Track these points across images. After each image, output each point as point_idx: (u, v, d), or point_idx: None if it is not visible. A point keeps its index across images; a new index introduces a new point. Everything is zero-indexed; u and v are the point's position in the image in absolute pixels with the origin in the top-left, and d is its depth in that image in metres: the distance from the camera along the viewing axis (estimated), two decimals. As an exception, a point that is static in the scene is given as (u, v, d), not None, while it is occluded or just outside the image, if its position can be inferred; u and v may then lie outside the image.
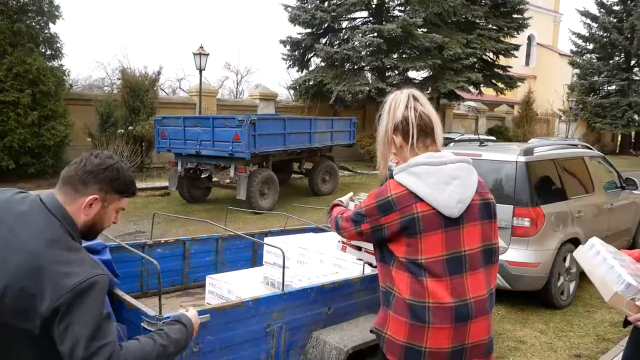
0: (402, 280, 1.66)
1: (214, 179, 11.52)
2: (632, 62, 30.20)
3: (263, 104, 17.05)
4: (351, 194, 2.51)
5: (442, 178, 1.63)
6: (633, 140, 33.70)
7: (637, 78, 29.96)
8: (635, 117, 29.37)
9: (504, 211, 4.82)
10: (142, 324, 2.00)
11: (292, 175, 13.36)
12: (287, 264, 3.37)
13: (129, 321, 2.14)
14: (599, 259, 2.05)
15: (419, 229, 1.62)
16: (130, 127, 12.81)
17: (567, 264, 5.06)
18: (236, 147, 9.17)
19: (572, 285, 5.19)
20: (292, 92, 21.71)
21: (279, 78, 57.47)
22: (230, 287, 3.17)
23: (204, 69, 14.27)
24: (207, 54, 14.12)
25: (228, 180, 11.96)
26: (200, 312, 2.11)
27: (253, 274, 3.48)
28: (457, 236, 1.64)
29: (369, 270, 3.01)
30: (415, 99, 1.73)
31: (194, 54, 13.96)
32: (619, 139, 33.00)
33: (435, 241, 1.62)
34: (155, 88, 14.49)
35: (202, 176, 10.32)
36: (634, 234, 6.66)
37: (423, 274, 1.62)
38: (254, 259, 4.16)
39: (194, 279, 3.80)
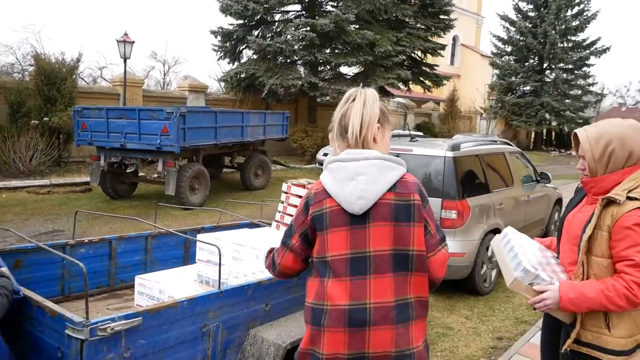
0: (312, 285, 1.67)
1: (141, 174, 11.02)
2: (545, 65, 32.51)
3: (192, 96, 16.52)
4: None
5: (347, 174, 1.60)
6: (545, 138, 36.37)
7: (548, 80, 32.32)
8: (547, 116, 31.72)
9: (432, 204, 4.99)
10: (66, 331, 1.87)
11: (224, 170, 13.11)
12: (223, 261, 3.30)
13: (51, 329, 1.99)
14: (507, 247, 2.16)
15: (326, 225, 1.60)
16: (45, 118, 11.90)
17: (489, 253, 5.35)
18: (165, 140, 8.81)
19: (493, 273, 5.51)
20: (222, 84, 21.22)
21: (208, 69, 56.11)
22: (161, 287, 3.04)
23: (128, 58, 13.59)
24: (132, 42, 13.44)
25: (156, 175, 11.50)
26: (129, 316, 2.00)
27: (186, 272, 3.36)
28: (362, 235, 1.58)
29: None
30: (353, 99, 1.70)
31: (118, 42, 13.24)
32: (533, 136, 35.46)
33: (340, 238, 1.58)
34: (74, 76, 13.54)
35: (128, 171, 9.82)
36: (547, 223, 7.19)
37: (327, 273, 1.60)
38: (186, 257, 4.03)
39: (121, 280, 3.61)
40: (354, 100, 1.68)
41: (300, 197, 2.62)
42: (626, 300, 1.79)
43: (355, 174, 1.59)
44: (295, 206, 2.69)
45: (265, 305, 2.66)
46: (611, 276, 1.85)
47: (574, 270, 1.96)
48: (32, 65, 13.85)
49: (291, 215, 2.70)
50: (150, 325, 2.07)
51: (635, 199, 1.83)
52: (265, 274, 2.91)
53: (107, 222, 7.99)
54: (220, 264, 2.47)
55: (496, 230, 5.45)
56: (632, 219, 1.80)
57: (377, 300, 1.55)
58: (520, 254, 2.07)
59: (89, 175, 10.24)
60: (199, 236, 3.59)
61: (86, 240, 3.39)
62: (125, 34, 13.29)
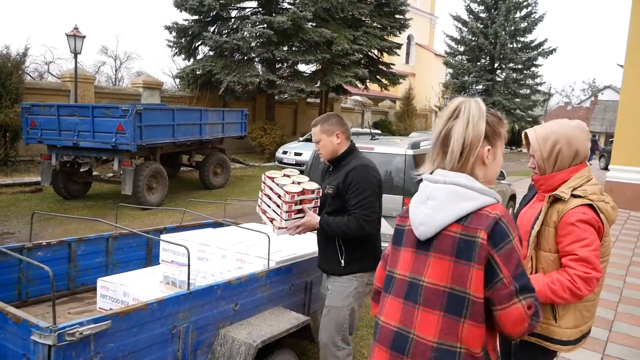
0: (380, 301, 1.65)
1: (95, 173, 10.65)
2: (496, 65, 33.68)
3: (147, 93, 16.09)
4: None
5: (422, 196, 1.52)
6: (496, 135, 37.62)
7: (499, 79, 33.49)
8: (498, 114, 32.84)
9: (394, 201, 5.13)
10: (32, 337, 1.80)
11: (181, 169, 12.86)
12: (186, 261, 3.26)
13: (15, 335, 1.92)
14: None
15: (402, 241, 1.57)
16: (-10, 115, 11.30)
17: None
18: (120, 138, 8.56)
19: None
20: (178, 81, 20.80)
21: (162, 66, 54.62)
22: (125, 289, 2.98)
23: (79, 53, 13.07)
24: (83, 37, 12.94)
25: (111, 175, 11.16)
26: (98, 319, 1.96)
27: (150, 274, 3.30)
28: (423, 262, 1.48)
29: (273, 264, 3.02)
30: (457, 115, 1.50)
31: (68, 36, 12.71)
32: (485, 133, 36.64)
33: (407, 258, 1.53)
34: (20, 71, 12.92)
35: (81, 170, 9.47)
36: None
37: (389, 289, 1.57)
38: (149, 258, 3.95)
39: (81, 283, 3.50)
40: (457, 117, 1.49)
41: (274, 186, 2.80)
42: (570, 292, 1.87)
43: (427, 198, 1.49)
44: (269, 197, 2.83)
45: (234, 305, 2.65)
46: (557, 270, 1.95)
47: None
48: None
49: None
50: (120, 329, 2.03)
51: (579, 196, 1.94)
52: (233, 274, 2.90)
53: (61, 223, 7.69)
54: (189, 265, 2.44)
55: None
56: (575, 216, 1.90)
57: (420, 334, 1.45)
58: None
59: (40, 174, 9.81)
60: (164, 237, 3.54)
61: (44, 243, 3.26)
62: (76, 28, 12.78)
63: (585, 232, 1.89)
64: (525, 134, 2.11)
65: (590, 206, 1.92)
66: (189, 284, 2.45)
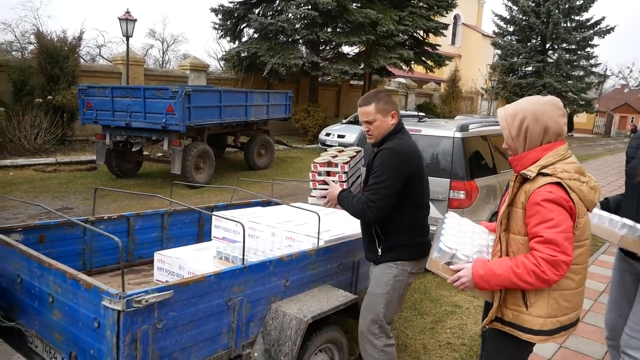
0: None
1: (145, 153, 11.05)
2: (547, 46, 32.24)
3: (194, 75, 16.43)
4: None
5: None
6: (546, 119, 36.22)
7: (551, 61, 32.08)
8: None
9: (441, 184, 5.07)
10: (103, 302, 1.93)
11: (227, 149, 13.12)
12: (238, 238, 3.37)
13: (86, 300, 2.06)
14: (438, 231, 2.23)
15: None
16: (49, 97, 11.86)
17: (496, 233, 5.44)
18: (170, 119, 8.82)
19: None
20: (223, 63, 21.08)
21: (208, 48, 55.43)
22: (181, 262, 3.12)
23: (131, 36, 13.46)
24: (135, 20, 13.31)
25: (160, 154, 11.55)
26: (161, 289, 2.07)
27: (203, 249, 3.44)
28: None
29: (322, 243, 3.08)
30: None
31: (120, 20, 13.10)
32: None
33: None
34: (76, 55, 13.46)
35: (133, 149, 9.84)
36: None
37: None
38: (200, 234, 4.10)
39: (138, 256, 3.69)
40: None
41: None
42: (535, 276, 1.78)
43: None
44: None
45: (285, 281, 2.73)
46: (524, 254, 1.86)
47: None
48: (31, 44, 13.72)
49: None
50: (180, 298, 2.14)
51: (547, 174, 1.82)
52: (282, 251, 2.98)
53: (115, 200, 8.05)
54: (244, 240, 2.53)
55: (502, 210, 5.53)
56: (541, 195, 1.80)
57: None
58: (443, 236, 2.09)
59: (95, 153, 10.26)
60: (217, 214, 3.66)
61: (106, 217, 3.45)
62: (127, 12, 13.15)
63: (551, 212, 1.78)
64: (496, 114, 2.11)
65: (559, 184, 1.81)
66: (243, 259, 2.54)
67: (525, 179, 1.88)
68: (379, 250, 2.67)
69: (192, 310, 2.21)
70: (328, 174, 2.84)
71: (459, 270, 1.96)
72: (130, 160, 10.33)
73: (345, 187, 2.78)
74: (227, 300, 2.39)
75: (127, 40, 13.59)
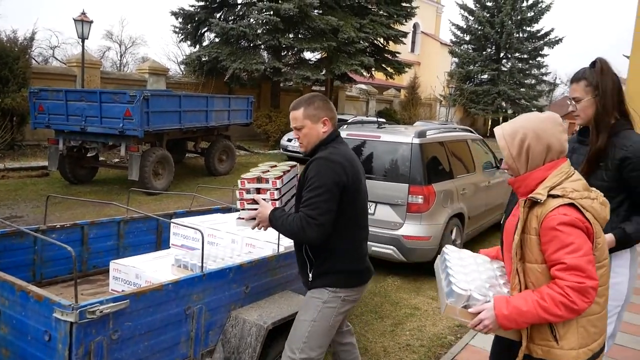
0: None
1: (101, 158, 10.74)
2: (501, 54, 33.45)
3: (153, 79, 16.09)
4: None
5: None
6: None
7: (505, 69, 33.29)
8: (503, 104, 32.77)
9: (400, 189, 5.17)
10: (54, 314, 1.87)
11: (187, 155, 12.92)
12: (197, 246, 3.32)
13: (36, 313, 1.98)
14: (443, 270, 2.02)
15: None
16: (-3, 100, 11.35)
17: (453, 236, 5.59)
18: (128, 124, 8.60)
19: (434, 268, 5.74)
20: (183, 67, 20.75)
21: (167, 51, 54.38)
22: (138, 271, 3.05)
23: (86, 38, 13.06)
24: (91, 22, 12.93)
25: (117, 160, 11.24)
26: (117, 299, 2.03)
27: (160, 257, 3.37)
28: None
29: (282, 249, 3.08)
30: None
31: (75, 21, 12.70)
32: (490, 123, 36.57)
33: None
34: (27, 56, 12.93)
35: (88, 155, 9.55)
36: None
37: None
38: (158, 242, 4.01)
39: (93, 266, 3.58)
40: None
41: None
42: (564, 308, 1.64)
43: None
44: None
45: (245, 288, 2.72)
46: (547, 284, 1.71)
47: None
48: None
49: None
50: (137, 308, 2.09)
51: (558, 196, 1.70)
52: (243, 258, 2.97)
53: (69, 207, 7.78)
54: (203, 248, 2.51)
55: (460, 215, 5.69)
56: (556, 218, 1.66)
57: None
58: (452, 276, 1.91)
59: (47, 159, 9.88)
60: (176, 221, 3.60)
61: (58, 226, 3.34)
62: (83, 13, 12.76)
63: (570, 236, 1.64)
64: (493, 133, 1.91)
65: (572, 205, 1.68)
66: (202, 266, 2.51)
67: (534, 203, 1.74)
68: (310, 275, 2.37)
69: (149, 319, 2.17)
70: (258, 191, 2.48)
71: (478, 313, 1.78)
72: (84, 166, 10.01)
73: (278, 205, 2.43)
74: (185, 309, 2.36)
75: (83, 42, 13.19)
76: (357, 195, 2.34)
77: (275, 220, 2.32)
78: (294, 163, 2.76)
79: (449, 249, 2.19)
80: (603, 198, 1.80)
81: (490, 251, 2.20)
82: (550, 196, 1.70)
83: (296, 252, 2.48)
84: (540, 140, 1.76)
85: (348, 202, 2.28)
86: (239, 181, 2.54)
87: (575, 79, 2.41)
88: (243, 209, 2.51)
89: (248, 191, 2.49)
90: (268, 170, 2.62)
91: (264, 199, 2.44)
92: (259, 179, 2.49)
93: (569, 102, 2.47)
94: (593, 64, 2.39)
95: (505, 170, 1.89)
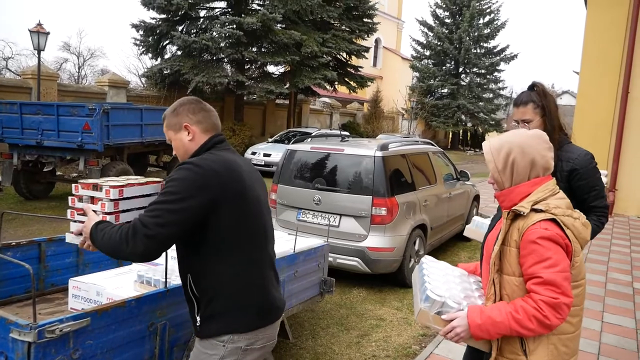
0: None
1: (58, 173, 10.39)
2: (460, 69, 34.56)
3: (113, 92, 15.76)
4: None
5: None
6: (461, 138, 38.69)
7: (464, 83, 34.39)
8: (463, 117, 33.79)
9: (363, 201, 5.25)
10: (11, 334, 1.81)
11: (149, 169, 12.67)
12: (161, 261, 3.27)
13: (-9, 334, 1.91)
14: (420, 279, 2.05)
15: None
16: (-54, 113, 10.85)
17: (416, 247, 5.69)
18: (87, 137, 8.40)
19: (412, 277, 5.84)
20: (144, 80, 20.44)
21: (128, 64, 53.39)
22: (98, 288, 2.97)
23: (43, 50, 12.68)
24: (47, 33, 12.57)
25: (75, 174, 10.90)
26: (77, 317, 1.98)
27: (122, 273, 3.30)
28: None
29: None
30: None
31: (31, 32, 12.33)
32: (450, 136, 37.56)
33: None
34: (-21, 68, 12.50)
35: (45, 169, 9.24)
36: (466, 218, 7.74)
37: None
38: (120, 257, 3.92)
39: (51, 284, 3.46)
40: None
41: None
42: (537, 322, 1.64)
43: None
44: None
45: (210, 302, 2.69)
46: (521, 297, 1.72)
47: None
48: None
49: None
50: (98, 326, 2.05)
51: (541, 210, 1.72)
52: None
53: (23, 224, 7.48)
54: (166, 263, 2.48)
55: (422, 226, 5.81)
56: (536, 232, 1.67)
57: None
58: (428, 283, 1.93)
59: (0, 174, 9.50)
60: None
61: (14, 243, 3.22)
62: (39, 24, 12.41)
63: (548, 251, 1.65)
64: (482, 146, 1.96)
65: (554, 221, 1.69)
66: (166, 282, 2.48)
67: (517, 216, 1.76)
68: (198, 318, 1.89)
69: (111, 337, 2.12)
70: (92, 200, 2.04)
71: (451, 320, 1.79)
72: (41, 181, 9.67)
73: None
74: (149, 325, 2.32)
75: (39, 54, 12.81)
76: (241, 212, 1.85)
77: (96, 234, 1.82)
78: (160, 179, 2.27)
79: (427, 259, 2.23)
80: (585, 220, 1.81)
81: (468, 266, 2.24)
82: (533, 210, 1.73)
83: (183, 288, 1.98)
84: (525, 155, 1.78)
85: (228, 220, 1.81)
86: (73, 185, 2.12)
87: (523, 102, 2.53)
88: (73, 221, 2.06)
89: (80, 199, 2.07)
90: (115, 180, 2.18)
91: (95, 210, 1.97)
92: (94, 186, 2.04)
93: (515, 124, 2.56)
94: (532, 87, 2.55)
95: (491, 184, 1.90)
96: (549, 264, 1.64)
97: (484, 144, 1.92)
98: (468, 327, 1.74)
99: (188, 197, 1.73)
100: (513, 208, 1.76)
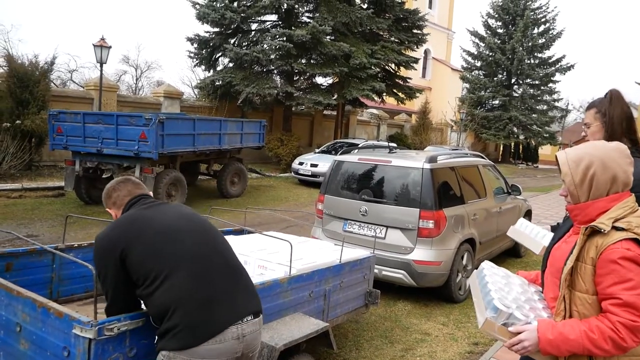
0: None
1: (116, 179, 10.89)
2: (512, 81, 33.62)
3: (168, 102, 16.43)
4: None
5: None
6: (512, 151, 37.53)
7: (516, 95, 33.41)
8: (515, 129, 32.78)
9: (410, 214, 5.20)
10: (74, 330, 1.93)
11: (200, 177, 13.07)
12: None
13: (55, 329, 2.04)
14: (481, 284, 2.01)
15: None
16: (17, 121, 11.65)
17: (464, 262, 5.57)
18: (142, 146, 8.79)
19: (467, 282, 5.72)
20: (197, 91, 21.15)
21: (182, 76, 55.46)
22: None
23: (105, 63, 13.44)
24: (109, 47, 13.31)
25: (131, 181, 11.38)
26: (134, 317, 2.08)
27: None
28: None
29: (294, 271, 3.12)
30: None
31: (95, 46, 13.09)
32: (501, 148, 36.51)
33: None
34: (47, 79, 13.33)
35: (103, 176, 9.71)
36: (517, 234, 7.49)
37: None
38: (172, 262, 4.07)
39: (108, 285, 3.64)
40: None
41: None
42: (612, 343, 1.59)
43: None
44: None
45: (257, 309, 2.74)
46: (596, 316, 1.66)
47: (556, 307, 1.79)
48: (2, 67, 13.53)
49: None
50: (153, 326, 2.14)
51: (622, 229, 1.63)
52: (254, 280, 3.01)
53: (83, 227, 7.90)
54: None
55: (470, 240, 5.69)
56: (618, 252, 1.60)
57: None
58: (493, 291, 1.88)
59: (63, 179, 10.08)
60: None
61: (75, 245, 3.42)
62: (102, 39, 13.16)
63: (630, 272, 1.58)
64: (556, 157, 1.87)
65: (636, 241, 1.61)
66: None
67: (595, 232, 1.67)
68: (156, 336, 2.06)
69: (163, 338, 2.21)
70: None
71: (518, 332, 1.74)
72: (100, 187, 10.14)
73: None
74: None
75: (101, 66, 13.56)
76: (159, 247, 2.03)
77: None
78: None
79: (487, 264, 2.18)
80: None
81: (529, 274, 2.17)
82: (614, 228, 1.64)
83: None
84: (606, 169, 1.70)
85: (145, 257, 2.01)
86: None
87: (589, 106, 2.55)
88: None
89: None
90: None
91: None
92: None
93: (583, 127, 2.60)
94: (606, 94, 2.50)
95: (564, 197, 1.83)
96: (630, 286, 1.58)
97: (558, 154, 1.83)
98: (537, 342, 1.69)
99: (105, 271, 2.07)
100: (592, 224, 1.68)
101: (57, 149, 9.86)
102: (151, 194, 2.45)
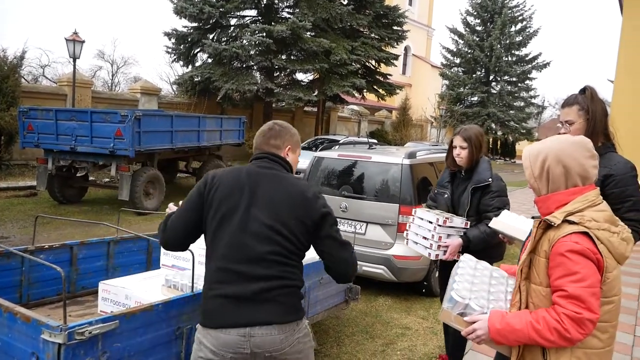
0: None
1: (91, 178, 10.68)
2: (491, 77, 34.06)
3: (145, 99, 16.15)
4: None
5: None
6: (491, 146, 38.00)
7: (494, 92, 33.87)
8: (493, 125, 33.22)
9: (390, 209, 5.19)
10: (42, 336, 1.85)
11: (178, 175, 12.89)
12: (188, 266, 3.31)
13: (23, 334, 1.96)
14: (452, 276, 2.07)
15: None
16: (-14, 119, 11.31)
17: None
18: (118, 144, 8.60)
19: (447, 276, 5.75)
20: (175, 87, 20.87)
21: (159, 71, 54.65)
22: (127, 292, 3.01)
23: (78, 58, 13.12)
24: (83, 42, 13.00)
25: (107, 180, 11.18)
26: (106, 319, 2.01)
27: (150, 277, 3.34)
28: None
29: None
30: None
31: (67, 40, 12.76)
32: (479, 144, 36.86)
33: None
34: (17, 75, 12.93)
35: (78, 175, 9.49)
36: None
37: None
38: (149, 262, 3.99)
39: (82, 287, 3.54)
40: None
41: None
42: (557, 334, 1.62)
43: None
44: None
45: (236, 308, 2.69)
46: (545, 308, 1.70)
47: None
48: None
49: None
50: (127, 329, 2.07)
51: (574, 222, 1.66)
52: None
53: (56, 227, 7.70)
54: (193, 268, 2.50)
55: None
56: (566, 245, 1.63)
57: None
58: (456, 283, 1.95)
59: (35, 178, 9.81)
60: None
61: (46, 246, 3.30)
62: (75, 33, 12.84)
63: (577, 265, 1.61)
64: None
65: (586, 234, 1.64)
66: (193, 286, 2.50)
67: (549, 226, 1.71)
68: None
69: (138, 340, 2.15)
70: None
71: (473, 322, 1.81)
72: (74, 186, 9.95)
73: None
74: (175, 330, 2.33)
75: (74, 61, 13.24)
76: (215, 214, 2.00)
77: None
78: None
79: (466, 257, 2.22)
80: (627, 234, 1.74)
81: (511, 267, 2.20)
82: (565, 221, 1.68)
83: None
84: (559, 162, 1.73)
85: (207, 219, 2.03)
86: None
87: (568, 103, 2.53)
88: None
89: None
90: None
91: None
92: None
93: (560, 125, 2.57)
94: (583, 90, 2.51)
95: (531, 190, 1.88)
96: (576, 279, 1.61)
97: (524, 149, 1.89)
98: (488, 331, 1.75)
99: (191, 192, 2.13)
100: (545, 218, 1.73)
101: (28, 147, 9.58)
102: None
